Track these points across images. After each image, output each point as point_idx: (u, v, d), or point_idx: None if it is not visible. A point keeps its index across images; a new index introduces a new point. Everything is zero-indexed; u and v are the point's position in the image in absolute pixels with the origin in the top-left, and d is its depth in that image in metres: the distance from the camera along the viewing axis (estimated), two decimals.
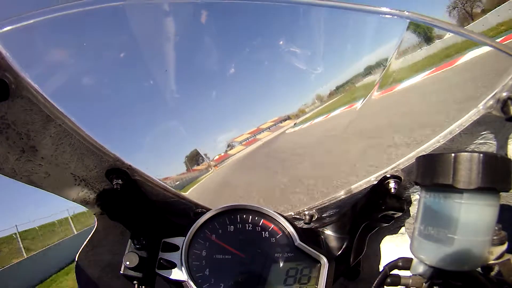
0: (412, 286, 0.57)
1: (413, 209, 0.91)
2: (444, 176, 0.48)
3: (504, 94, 0.68)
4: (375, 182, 0.87)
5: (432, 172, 0.51)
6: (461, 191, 0.47)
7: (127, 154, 0.81)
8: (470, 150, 0.48)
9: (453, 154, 0.48)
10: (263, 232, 0.88)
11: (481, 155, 0.46)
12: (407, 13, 0.69)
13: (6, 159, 0.68)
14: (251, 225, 0.90)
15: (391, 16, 0.69)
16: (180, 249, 0.83)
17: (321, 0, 0.73)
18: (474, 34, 0.65)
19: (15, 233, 15.34)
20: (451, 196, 0.49)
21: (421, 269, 0.55)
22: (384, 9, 0.71)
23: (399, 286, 0.61)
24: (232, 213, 0.91)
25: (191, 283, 0.78)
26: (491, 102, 0.70)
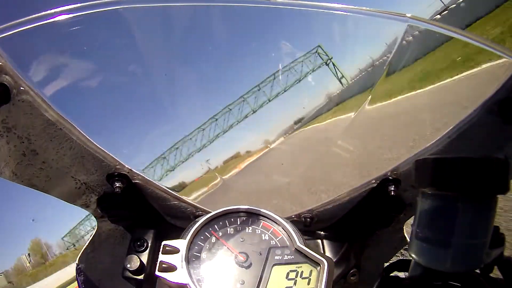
0: None
1: (412, 211, 0.91)
2: (441, 180, 0.49)
3: (502, 96, 0.68)
4: (375, 185, 0.87)
5: (429, 175, 0.51)
6: (458, 194, 0.48)
7: (127, 158, 0.82)
8: (467, 153, 0.49)
9: (450, 158, 0.48)
10: (263, 235, 0.88)
11: (478, 158, 0.47)
12: (408, 15, 0.69)
13: (7, 163, 0.69)
14: (251, 227, 0.90)
15: (391, 19, 0.69)
16: (181, 252, 0.83)
17: (318, 2, 0.73)
18: (477, 37, 0.65)
19: None
20: (448, 199, 0.49)
21: (419, 270, 0.55)
22: (384, 11, 0.71)
23: None
24: (232, 215, 0.91)
25: (192, 285, 0.78)
26: (489, 105, 0.70)
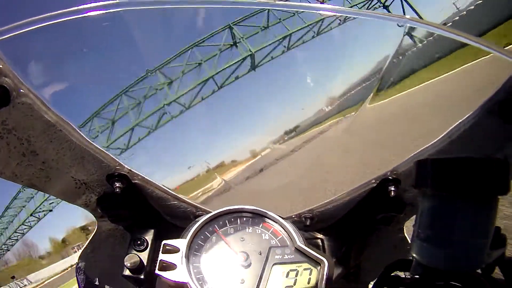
0: None
1: (413, 212, 0.92)
2: (442, 181, 0.49)
3: (502, 97, 0.68)
4: (375, 185, 0.88)
5: (430, 176, 0.51)
6: (459, 195, 0.48)
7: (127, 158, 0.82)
8: (468, 153, 0.49)
9: (451, 158, 0.48)
10: (263, 234, 0.89)
11: (480, 159, 0.47)
12: (407, 17, 0.69)
13: (7, 163, 0.69)
14: (251, 227, 0.90)
15: (390, 20, 0.69)
16: (181, 251, 0.84)
17: (315, 4, 0.73)
18: (475, 38, 0.65)
19: None
20: (449, 199, 0.49)
21: (420, 270, 0.55)
22: (384, 13, 0.71)
23: None
24: (232, 215, 0.91)
25: (192, 284, 0.78)
26: (489, 105, 0.70)
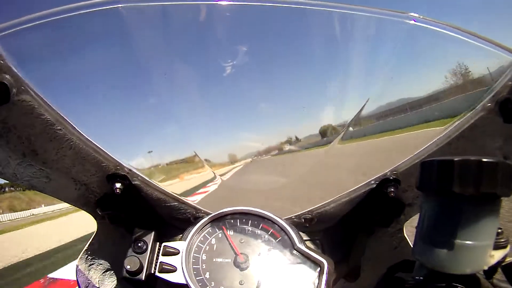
0: None
1: (412, 212, 0.92)
2: (445, 182, 0.48)
3: (502, 95, 0.68)
4: (374, 186, 0.87)
5: (432, 178, 0.51)
6: (461, 196, 0.47)
7: (127, 158, 0.81)
8: (469, 154, 0.48)
9: (453, 160, 0.48)
10: (263, 236, 0.88)
11: (481, 160, 0.46)
12: (411, 15, 0.69)
13: (7, 163, 0.68)
14: (250, 228, 0.90)
15: (393, 18, 0.68)
16: (181, 253, 0.83)
17: (317, 1, 0.72)
18: (479, 36, 0.65)
19: None
20: (452, 201, 0.49)
21: (423, 272, 0.55)
22: (386, 9, 0.71)
23: None
24: (232, 217, 0.91)
25: (192, 286, 0.78)
26: (489, 104, 0.70)
